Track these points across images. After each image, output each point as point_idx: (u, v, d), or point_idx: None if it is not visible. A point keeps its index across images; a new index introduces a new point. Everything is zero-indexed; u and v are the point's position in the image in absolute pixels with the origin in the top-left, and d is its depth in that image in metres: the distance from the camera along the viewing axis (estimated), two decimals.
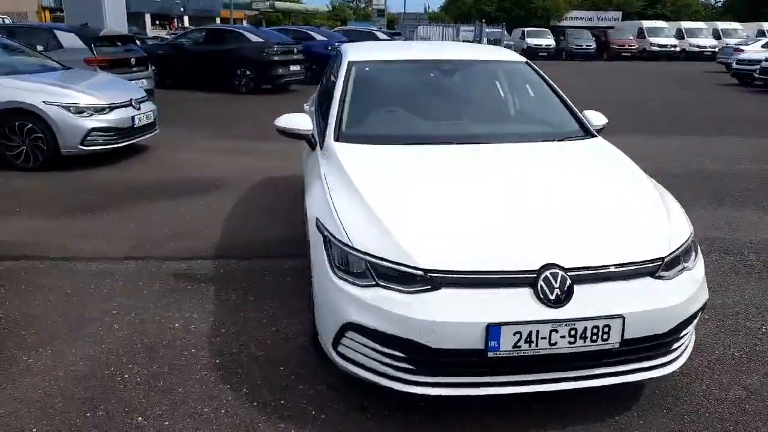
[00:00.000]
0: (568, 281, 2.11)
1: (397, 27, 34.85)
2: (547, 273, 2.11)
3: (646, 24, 33.95)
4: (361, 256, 2.21)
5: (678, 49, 31.93)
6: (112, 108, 6.53)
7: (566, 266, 2.13)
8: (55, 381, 2.60)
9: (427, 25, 31.88)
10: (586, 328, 2.09)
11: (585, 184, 2.74)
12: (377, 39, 19.04)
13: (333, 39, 16.45)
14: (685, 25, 34.24)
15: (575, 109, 3.44)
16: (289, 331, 3.06)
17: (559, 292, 2.09)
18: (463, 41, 21.42)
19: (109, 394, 2.50)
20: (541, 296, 2.09)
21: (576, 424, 2.34)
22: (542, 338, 2.08)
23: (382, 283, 2.17)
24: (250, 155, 7.37)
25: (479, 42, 18.57)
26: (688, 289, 2.30)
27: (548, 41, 32.32)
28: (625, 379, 2.25)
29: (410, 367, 2.16)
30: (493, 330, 2.05)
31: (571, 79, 17.78)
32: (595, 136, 3.24)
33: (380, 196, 2.48)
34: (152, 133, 7.38)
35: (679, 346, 2.36)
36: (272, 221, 4.84)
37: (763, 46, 21.68)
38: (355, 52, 3.77)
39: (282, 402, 2.47)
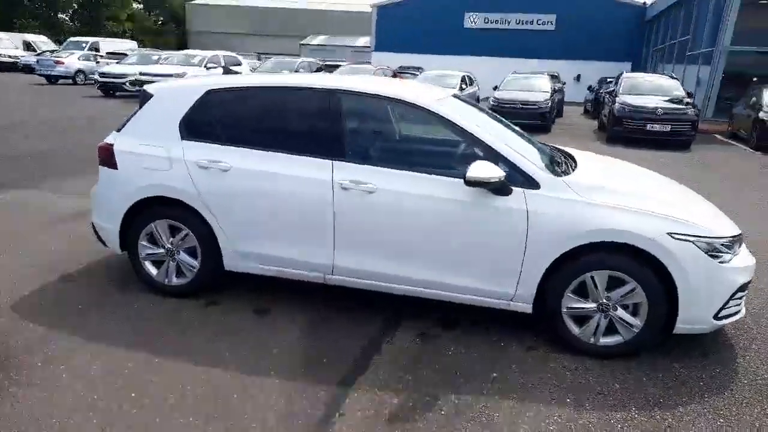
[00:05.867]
0: None
1: None
2: None
3: None
4: (725, 240, 3.18)
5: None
6: None
7: None
8: None
9: None
10: None
11: (652, 177, 4.19)
12: None
13: None
14: None
15: None
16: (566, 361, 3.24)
17: None
18: None
19: None
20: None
21: None
22: None
23: (728, 252, 3.22)
24: None
25: None
26: None
27: None
28: None
29: (742, 294, 3.33)
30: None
31: None
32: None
33: (670, 200, 3.46)
34: None
35: None
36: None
37: (78, 58, 24.00)
38: (410, 94, 3.53)
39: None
